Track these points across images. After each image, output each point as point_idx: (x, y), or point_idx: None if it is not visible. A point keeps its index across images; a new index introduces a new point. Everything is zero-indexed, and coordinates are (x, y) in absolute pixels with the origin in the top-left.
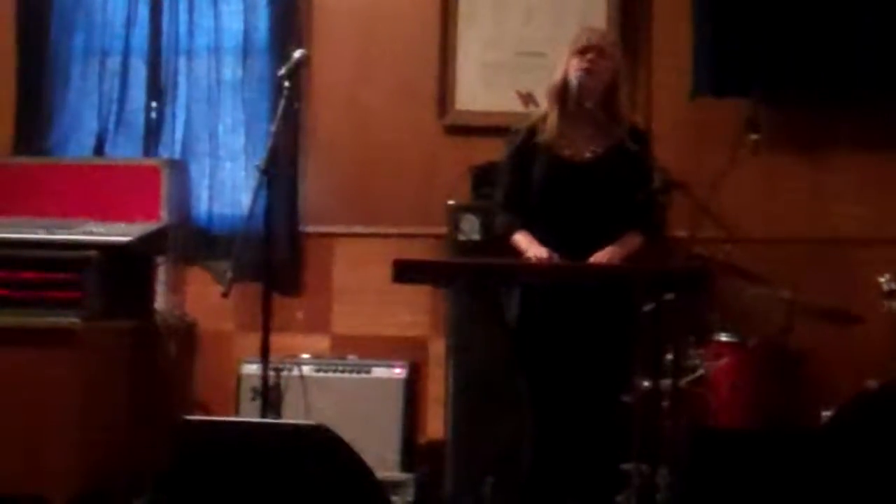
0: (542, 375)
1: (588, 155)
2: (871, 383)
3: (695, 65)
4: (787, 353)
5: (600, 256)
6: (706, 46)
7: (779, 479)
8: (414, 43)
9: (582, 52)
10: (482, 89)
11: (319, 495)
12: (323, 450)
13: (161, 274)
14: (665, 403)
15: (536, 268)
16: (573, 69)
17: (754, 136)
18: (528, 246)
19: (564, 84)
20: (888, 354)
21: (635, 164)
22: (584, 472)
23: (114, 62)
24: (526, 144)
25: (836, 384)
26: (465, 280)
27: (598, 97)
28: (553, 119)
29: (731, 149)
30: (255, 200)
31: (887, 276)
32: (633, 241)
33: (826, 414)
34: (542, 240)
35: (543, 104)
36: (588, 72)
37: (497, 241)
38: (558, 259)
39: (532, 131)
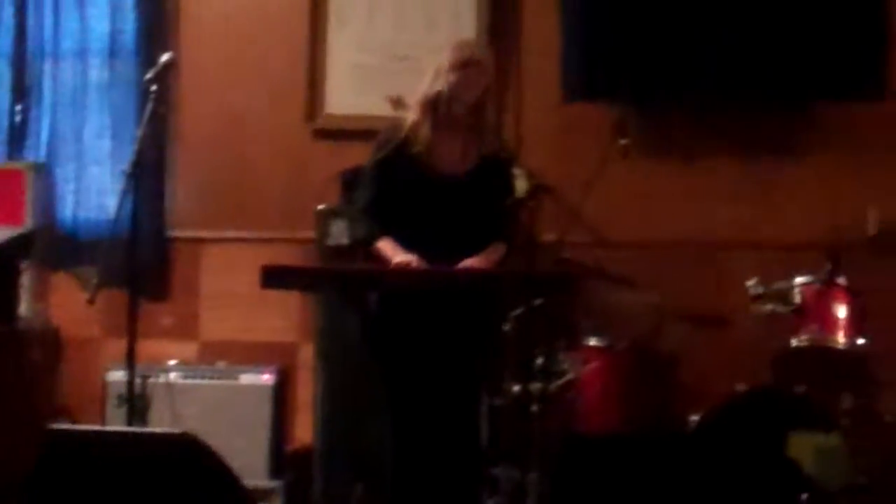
0: (405, 380)
1: (454, 169)
2: (740, 387)
3: (564, 69)
4: (657, 357)
5: (465, 266)
6: (575, 50)
7: (648, 483)
8: (283, 46)
9: (462, 66)
10: (352, 93)
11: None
12: (190, 458)
13: (25, 279)
14: (535, 408)
15: (403, 273)
16: (451, 83)
17: (624, 140)
18: (394, 252)
19: (438, 95)
20: (756, 358)
21: (501, 177)
22: (452, 477)
23: None
24: (395, 154)
25: (704, 388)
26: (334, 286)
27: (469, 110)
28: (425, 131)
29: (601, 153)
30: (121, 205)
31: (755, 279)
32: (497, 251)
33: (694, 418)
34: (406, 249)
35: (413, 109)
36: (466, 87)
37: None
38: (424, 264)
39: (401, 141)
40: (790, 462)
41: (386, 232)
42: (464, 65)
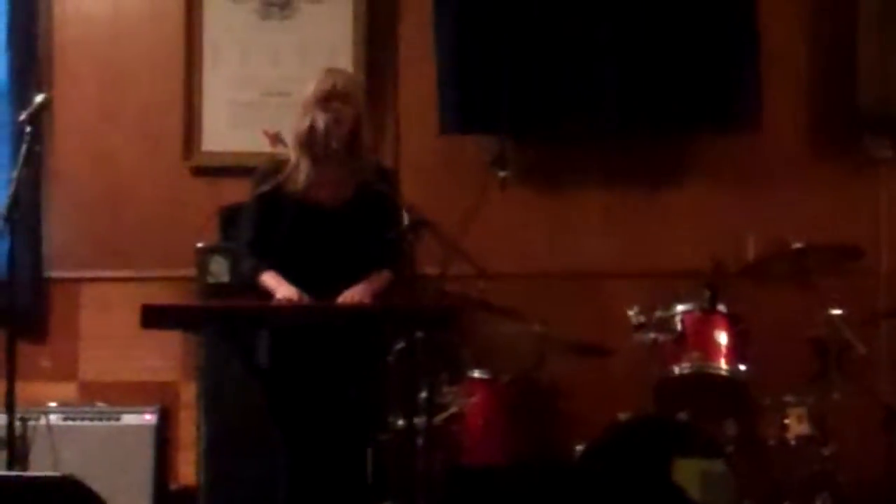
0: (295, 418)
1: (336, 201)
2: (623, 415)
3: (440, 102)
4: (540, 388)
5: (348, 295)
6: (450, 85)
7: None
8: (158, 84)
9: (326, 99)
10: (229, 130)
11: None
12: (72, 502)
13: None
14: (420, 441)
15: (286, 309)
16: (319, 118)
17: (502, 173)
18: (278, 286)
19: (311, 132)
20: (639, 386)
21: (383, 203)
22: None
23: None
24: (273, 191)
25: (588, 417)
26: (215, 324)
27: (344, 141)
28: (303, 167)
29: (480, 185)
30: None
31: (635, 308)
32: (380, 278)
33: (579, 447)
34: (291, 282)
35: (291, 145)
36: (335, 121)
37: (246, 284)
38: (307, 298)
39: (278, 177)
40: (675, 488)
41: (270, 266)
42: (328, 97)
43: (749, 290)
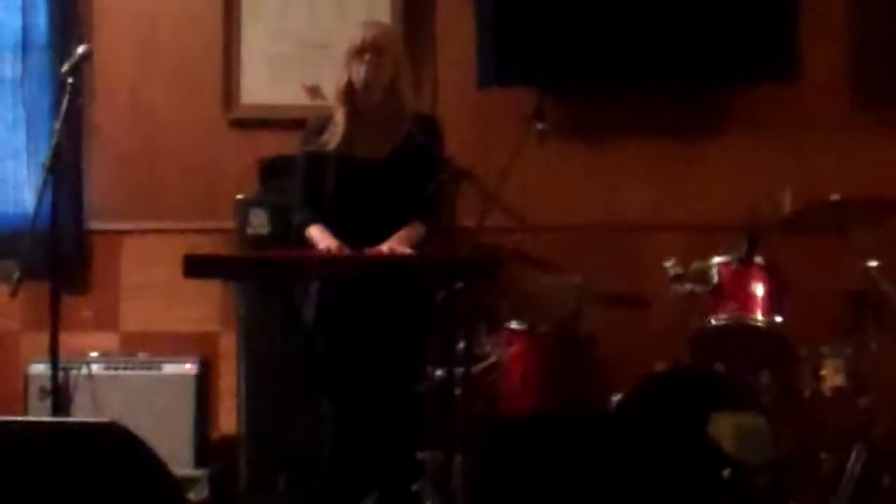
0: (340, 369)
1: (377, 154)
2: (659, 366)
3: (478, 54)
4: (577, 339)
5: (382, 246)
6: (489, 36)
7: (571, 463)
8: (197, 37)
9: (360, 52)
10: (268, 82)
11: (115, 493)
12: (117, 447)
13: None
14: (458, 392)
15: (326, 260)
16: (356, 71)
17: (540, 125)
18: (321, 238)
19: (350, 86)
20: (675, 338)
21: (424, 155)
22: (380, 461)
23: None
24: (318, 147)
25: (625, 369)
26: (258, 275)
27: (383, 93)
28: (341, 122)
29: (518, 137)
30: (40, 198)
31: (673, 260)
32: (414, 230)
33: (615, 398)
34: (336, 236)
35: (330, 97)
36: (373, 74)
37: (286, 235)
38: (347, 250)
39: (322, 132)
40: (710, 440)
41: (319, 219)
42: (365, 50)
43: (786, 242)
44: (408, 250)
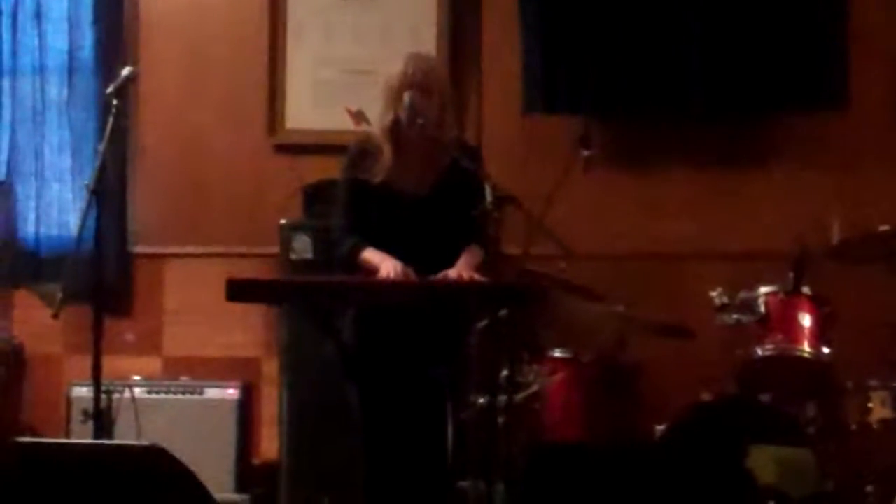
0: (377, 395)
1: (421, 187)
2: (705, 397)
3: (525, 82)
4: (621, 368)
5: (452, 274)
6: (535, 64)
7: (614, 493)
8: (242, 61)
9: (409, 89)
10: (312, 108)
11: None
12: (159, 470)
13: None
14: (500, 420)
15: (371, 286)
16: (402, 112)
17: (586, 153)
18: (382, 260)
19: (396, 123)
20: (720, 368)
21: (469, 180)
22: (420, 490)
23: None
24: (363, 178)
25: (669, 398)
26: (300, 299)
27: (429, 132)
28: (387, 157)
29: (564, 165)
30: (84, 221)
31: (719, 290)
32: (475, 254)
33: (660, 428)
34: None
35: (375, 122)
36: (421, 109)
37: (330, 260)
38: (411, 272)
39: (366, 162)
40: (748, 473)
41: (368, 244)
42: (412, 87)
43: (834, 273)
44: (476, 276)
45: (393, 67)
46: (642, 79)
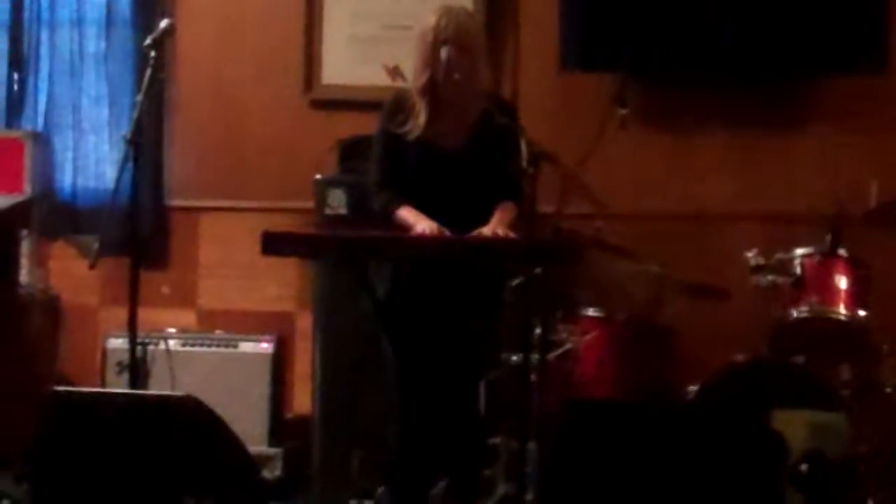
0: (411, 350)
1: (456, 143)
2: (738, 358)
3: (562, 39)
4: (655, 328)
5: (486, 231)
6: (573, 20)
7: (646, 452)
8: (279, 16)
9: (441, 43)
10: (348, 63)
11: (190, 466)
12: (193, 420)
13: (25, 247)
14: (533, 378)
15: (406, 241)
16: (437, 70)
17: (622, 111)
18: (416, 220)
19: (432, 80)
20: (755, 329)
21: (504, 136)
22: (452, 446)
23: None
24: (398, 132)
25: (703, 359)
26: (335, 253)
27: (463, 87)
28: (422, 113)
29: (600, 123)
30: (121, 173)
31: (754, 251)
32: (509, 210)
33: (693, 388)
34: None
35: (409, 75)
36: (455, 65)
37: (365, 215)
38: (447, 232)
39: (401, 117)
40: (780, 435)
41: (405, 201)
42: (447, 42)
43: (871, 236)
44: (511, 233)
45: (426, 19)
46: (680, 38)
